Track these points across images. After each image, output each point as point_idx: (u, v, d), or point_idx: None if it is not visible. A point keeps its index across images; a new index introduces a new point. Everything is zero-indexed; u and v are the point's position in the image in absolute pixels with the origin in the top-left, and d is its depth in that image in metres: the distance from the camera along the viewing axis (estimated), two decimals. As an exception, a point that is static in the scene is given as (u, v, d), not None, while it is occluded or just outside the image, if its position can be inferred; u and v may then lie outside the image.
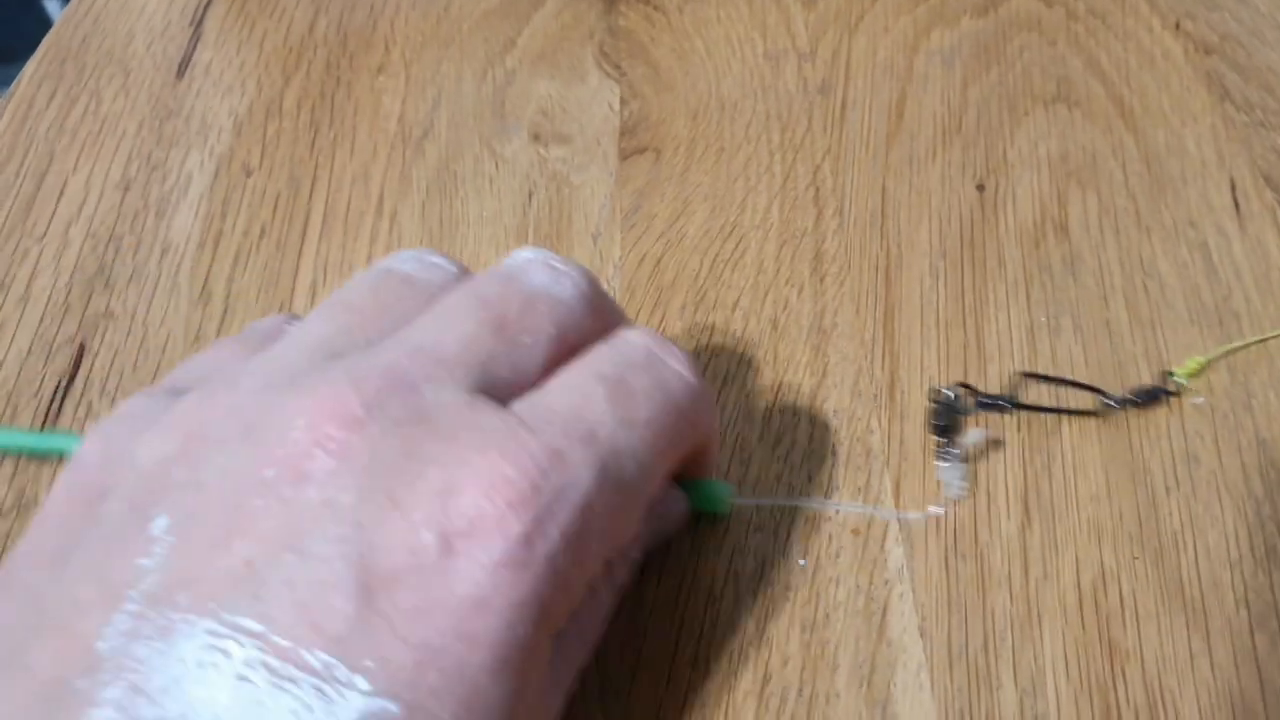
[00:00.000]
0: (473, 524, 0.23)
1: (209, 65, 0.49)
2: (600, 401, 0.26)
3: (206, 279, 0.41)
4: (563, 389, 0.26)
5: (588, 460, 0.24)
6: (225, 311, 0.40)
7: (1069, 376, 0.36)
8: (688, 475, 0.32)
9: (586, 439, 0.25)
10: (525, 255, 0.30)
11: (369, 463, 0.23)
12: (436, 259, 0.30)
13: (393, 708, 0.21)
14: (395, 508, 0.23)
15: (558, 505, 0.23)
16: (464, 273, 0.31)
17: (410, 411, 0.24)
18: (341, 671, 0.21)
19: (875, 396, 0.37)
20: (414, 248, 0.40)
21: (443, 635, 0.22)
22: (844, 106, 0.46)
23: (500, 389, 0.26)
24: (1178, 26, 0.48)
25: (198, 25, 0.51)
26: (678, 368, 0.28)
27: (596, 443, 0.25)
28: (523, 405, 0.26)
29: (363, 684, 0.21)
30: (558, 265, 0.29)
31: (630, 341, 0.28)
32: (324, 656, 0.21)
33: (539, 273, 0.29)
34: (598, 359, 0.28)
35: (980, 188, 0.42)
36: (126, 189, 0.44)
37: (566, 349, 0.28)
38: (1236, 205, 0.41)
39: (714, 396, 0.31)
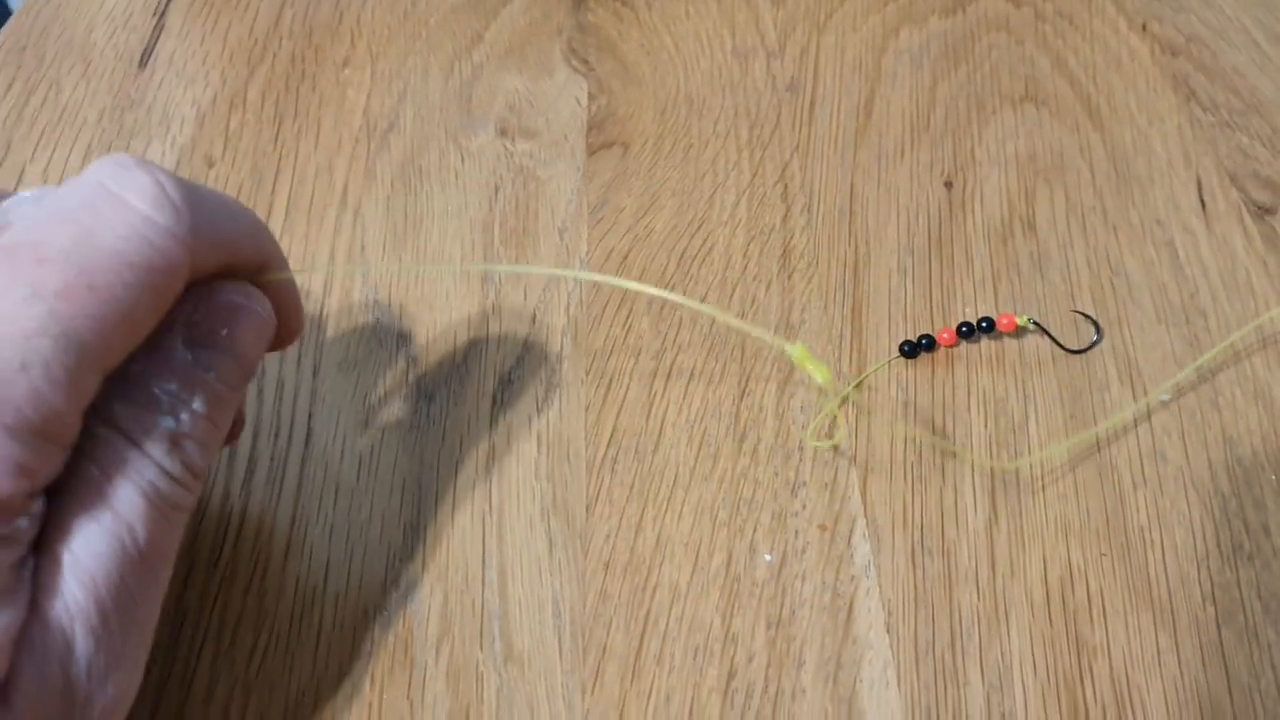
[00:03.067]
0: None
1: (172, 56, 0.48)
2: None
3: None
4: None
5: None
6: (185, 304, 0.39)
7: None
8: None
9: None
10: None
11: None
12: None
13: None
14: None
15: None
16: None
17: None
18: None
19: (842, 392, 0.36)
20: (377, 240, 0.40)
21: None
22: (812, 104, 0.46)
23: None
24: (1144, 28, 0.48)
25: (161, 16, 0.50)
26: (132, 201, 0.22)
27: None
28: None
29: None
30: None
31: (83, 175, 0.23)
32: None
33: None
34: (18, 221, 0.23)
35: (948, 185, 0.42)
36: (85, 180, 0.43)
37: None
38: (1203, 204, 0.41)
39: (227, 210, 0.25)
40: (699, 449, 0.35)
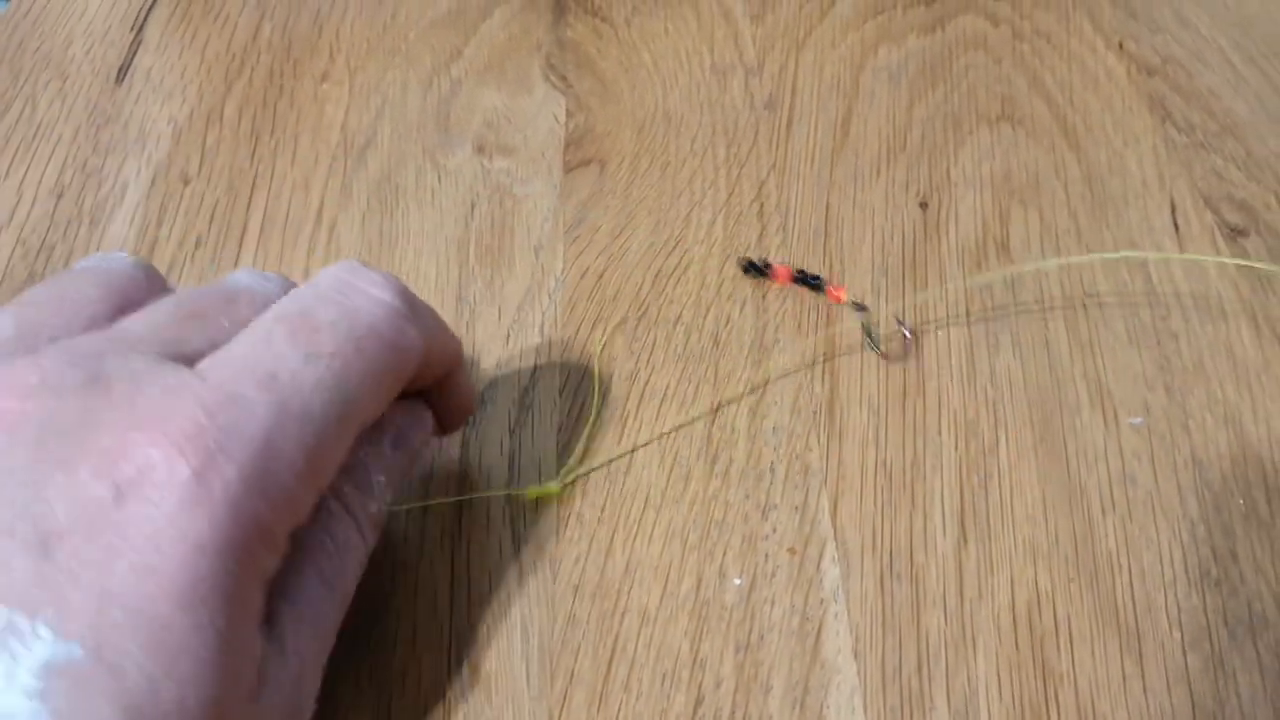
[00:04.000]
0: (141, 471, 0.23)
1: (149, 71, 0.48)
2: (280, 341, 0.26)
3: (140, 289, 0.40)
4: (245, 336, 0.26)
5: (263, 398, 0.24)
6: (158, 322, 0.39)
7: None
8: (441, 399, 0.32)
9: (264, 379, 0.25)
10: (236, 273, 0.30)
11: (42, 428, 0.23)
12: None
13: (77, 650, 0.21)
14: (67, 465, 0.23)
15: (231, 443, 0.23)
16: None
17: (88, 378, 0.24)
18: (22, 622, 0.21)
19: (815, 414, 0.36)
20: (352, 258, 0.40)
21: (122, 577, 0.22)
22: (790, 122, 0.46)
23: (193, 360, 0.26)
24: (1121, 47, 0.48)
25: (139, 30, 0.50)
26: (373, 291, 0.28)
27: (276, 381, 0.25)
28: (206, 361, 0.25)
29: (44, 631, 0.21)
30: (265, 273, 0.30)
31: (321, 275, 0.28)
32: (3, 611, 0.21)
33: (243, 276, 0.30)
34: (284, 301, 0.27)
35: (923, 205, 0.42)
36: (60, 196, 0.43)
37: None
38: (1176, 226, 0.41)
39: (433, 315, 0.30)
40: (670, 471, 0.35)
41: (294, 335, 0.26)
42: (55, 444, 0.23)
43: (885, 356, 0.38)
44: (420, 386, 0.31)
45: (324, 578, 0.27)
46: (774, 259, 0.40)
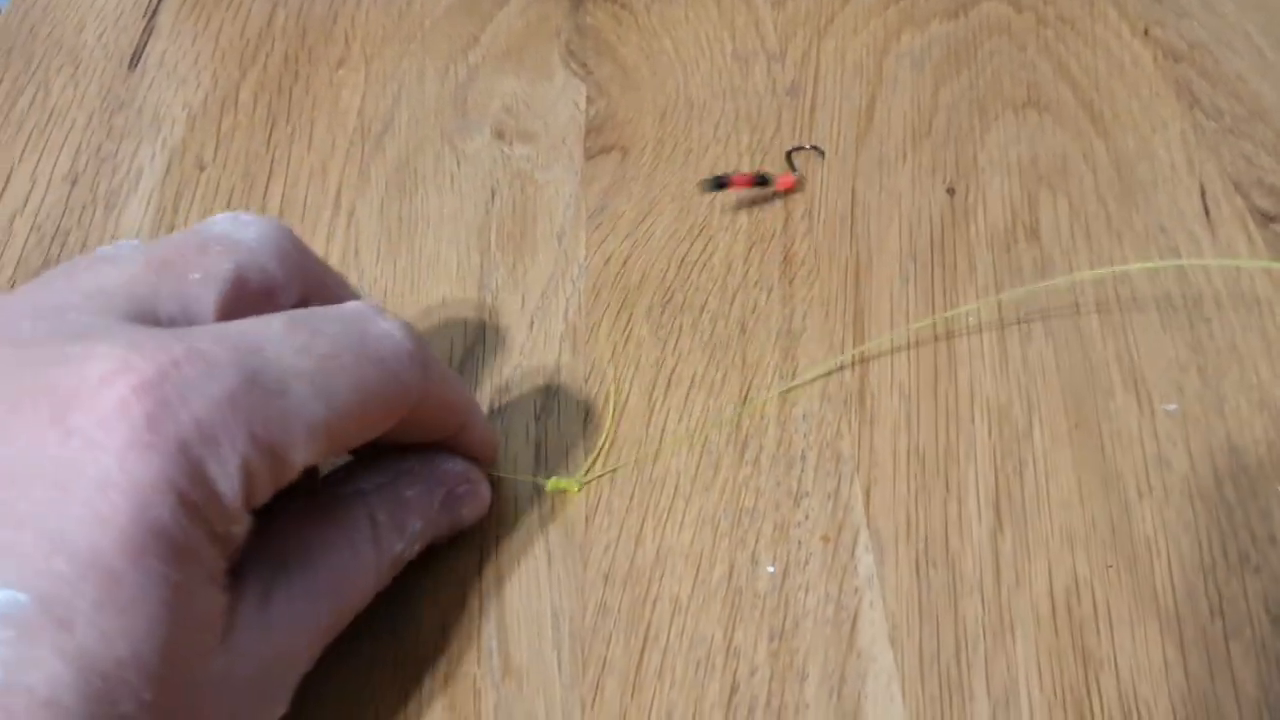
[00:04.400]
0: (94, 412, 0.22)
1: (163, 57, 0.48)
2: (277, 327, 0.25)
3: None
4: (240, 320, 0.26)
5: (235, 361, 0.23)
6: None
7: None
8: (460, 449, 0.32)
9: (246, 350, 0.24)
10: (215, 216, 0.29)
11: None
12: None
13: (21, 597, 0.20)
14: (18, 407, 0.22)
15: (192, 395, 0.22)
16: None
17: (51, 330, 0.24)
18: None
19: (845, 401, 0.36)
20: (371, 244, 0.39)
21: (70, 521, 0.21)
22: (813, 108, 0.45)
23: (164, 323, 0.25)
24: (1146, 33, 0.48)
25: (152, 16, 0.50)
26: (385, 325, 0.27)
27: (257, 355, 0.24)
28: (193, 328, 0.25)
29: None
30: (244, 216, 0.29)
31: (341, 303, 0.28)
32: None
33: (220, 222, 0.29)
34: (296, 309, 0.27)
35: (950, 191, 0.42)
36: (74, 182, 0.43)
37: (250, 293, 0.27)
38: (1206, 211, 0.41)
39: (444, 366, 0.30)
40: (699, 458, 0.35)
41: (293, 329, 0.25)
42: (9, 387, 0.23)
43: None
44: (437, 438, 0.31)
45: (331, 580, 0.27)
46: (736, 171, 0.42)
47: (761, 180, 0.41)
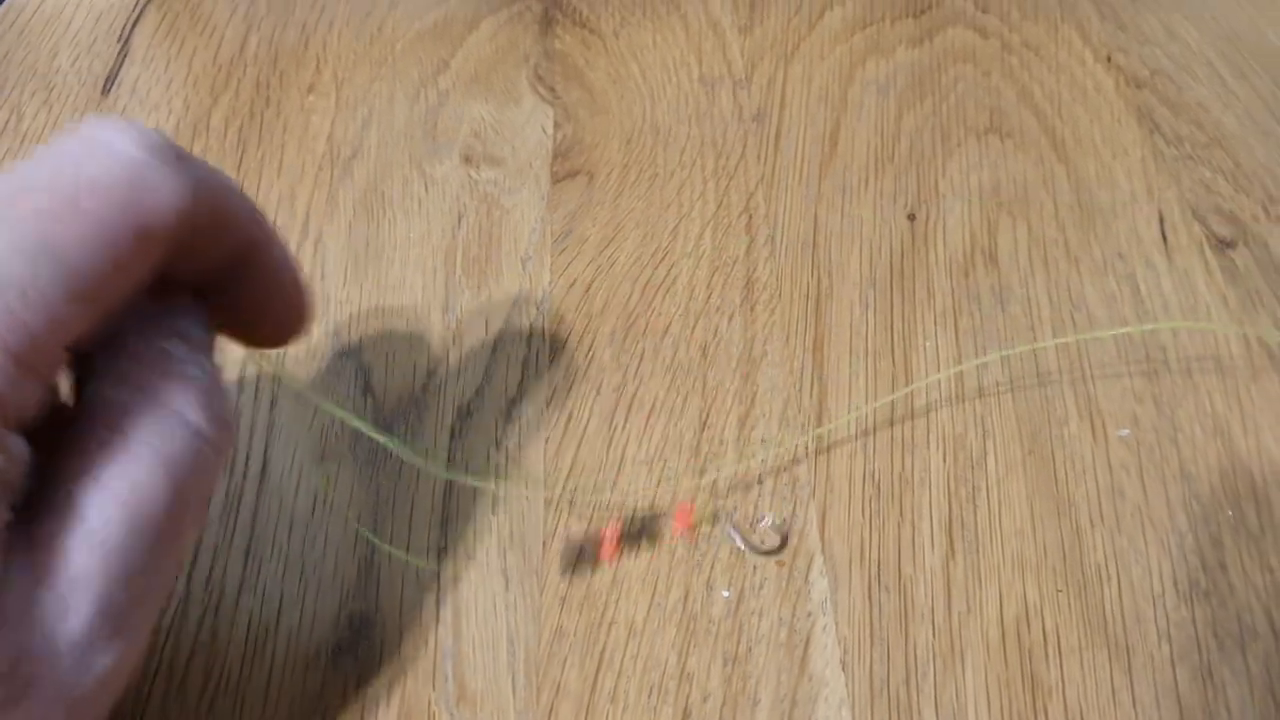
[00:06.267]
0: None
1: (136, 82, 0.48)
2: None
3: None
4: None
5: None
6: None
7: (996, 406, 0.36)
8: (253, 285, 0.26)
9: None
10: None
11: None
12: None
13: None
14: None
15: None
16: None
17: None
18: None
19: (803, 426, 0.36)
20: (338, 269, 0.40)
21: None
22: (778, 134, 0.46)
23: None
24: (1109, 60, 0.49)
25: (125, 41, 0.50)
26: (106, 142, 0.22)
27: None
28: None
29: None
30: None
31: (65, 132, 0.23)
32: None
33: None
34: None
35: (911, 217, 0.42)
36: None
37: None
38: (1164, 238, 0.41)
39: (212, 171, 0.24)
40: (658, 483, 0.35)
41: None
42: None
43: (767, 553, 0.34)
44: (214, 265, 0.25)
45: (112, 486, 0.22)
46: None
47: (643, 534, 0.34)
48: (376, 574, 0.33)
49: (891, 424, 0.36)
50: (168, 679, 0.31)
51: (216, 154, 0.45)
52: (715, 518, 0.34)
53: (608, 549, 0.33)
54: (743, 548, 0.33)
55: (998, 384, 0.37)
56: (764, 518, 0.34)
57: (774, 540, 0.34)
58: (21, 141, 0.45)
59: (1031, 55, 0.49)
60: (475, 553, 0.33)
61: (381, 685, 0.31)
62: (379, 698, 0.30)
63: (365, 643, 0.31)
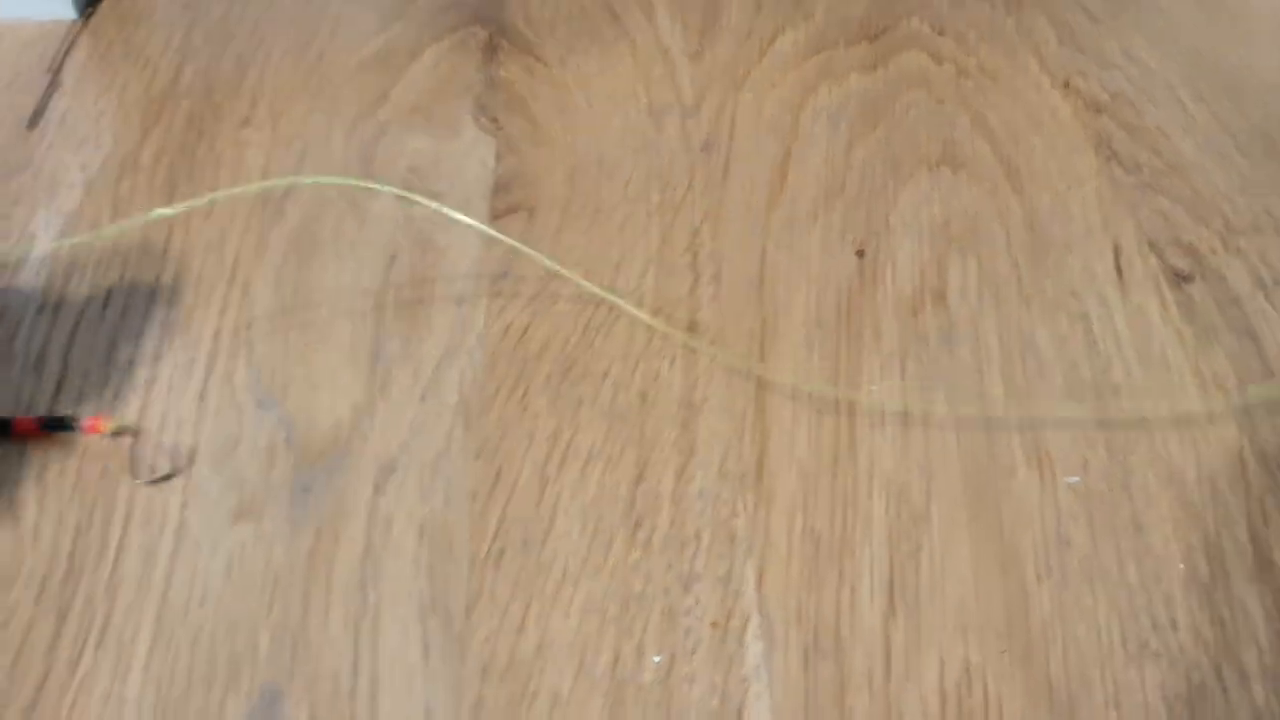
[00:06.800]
0: None
1: (64, 116, 0.47)
2: None
3: (44, 346, 0.38)
4: None
5: None
6: (60, 383, 0.37)
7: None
8: None
9: None
10: None
11: None
12: None
13: None
14: None
15: None
16: None
17: None
18: None
19: (743, 477, 0.35)
20: (265, 317, 0.38)
21: None
22: (727, 165, 0.44)
23: None
24: (1067, 84, 0.47)
25: (56, 72, 0.49)
26: None
27: None
28: None
29: None
30: None
31: None
32: None
33: None
34: None
35: (860, 254, 0.41)
36: (-35, 249, 0.42)
37: None
38: (1119, 272, 0.40)
39: None
40: (591, 539, 0.34)
41: None
42: None
43: (151, 482, 0.35)
44: None
45: None
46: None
47: (62, 425, 0.36)
48: (292, 644, 0.31)
49: (835, 474, 0.35)
50: (71, 757, 0.29)
51: (145, 193, 0.43)
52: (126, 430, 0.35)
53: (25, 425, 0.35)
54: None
55: (943, 431, 0.36)
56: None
57: (165, 467, 0.33)
58: (-59, 182, 0.44)
59: (987, 80, 0.48)
60: (394, 619, 0.32)
61: (293, 763, 0.29)
62: (290, 776, 0.29)
63: (278, 712, 0.30)
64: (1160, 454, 0.35)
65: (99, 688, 0.31)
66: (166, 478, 0.35)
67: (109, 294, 0.40)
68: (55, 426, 0.36)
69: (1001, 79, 0.48)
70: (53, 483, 0.35)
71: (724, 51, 0.49)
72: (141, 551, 0.33)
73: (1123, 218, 0.42)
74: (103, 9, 0.52)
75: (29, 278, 0.41)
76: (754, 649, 0.31)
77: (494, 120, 0.46)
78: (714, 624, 0.32)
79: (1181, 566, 0.33)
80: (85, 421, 0.35)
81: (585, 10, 0.51)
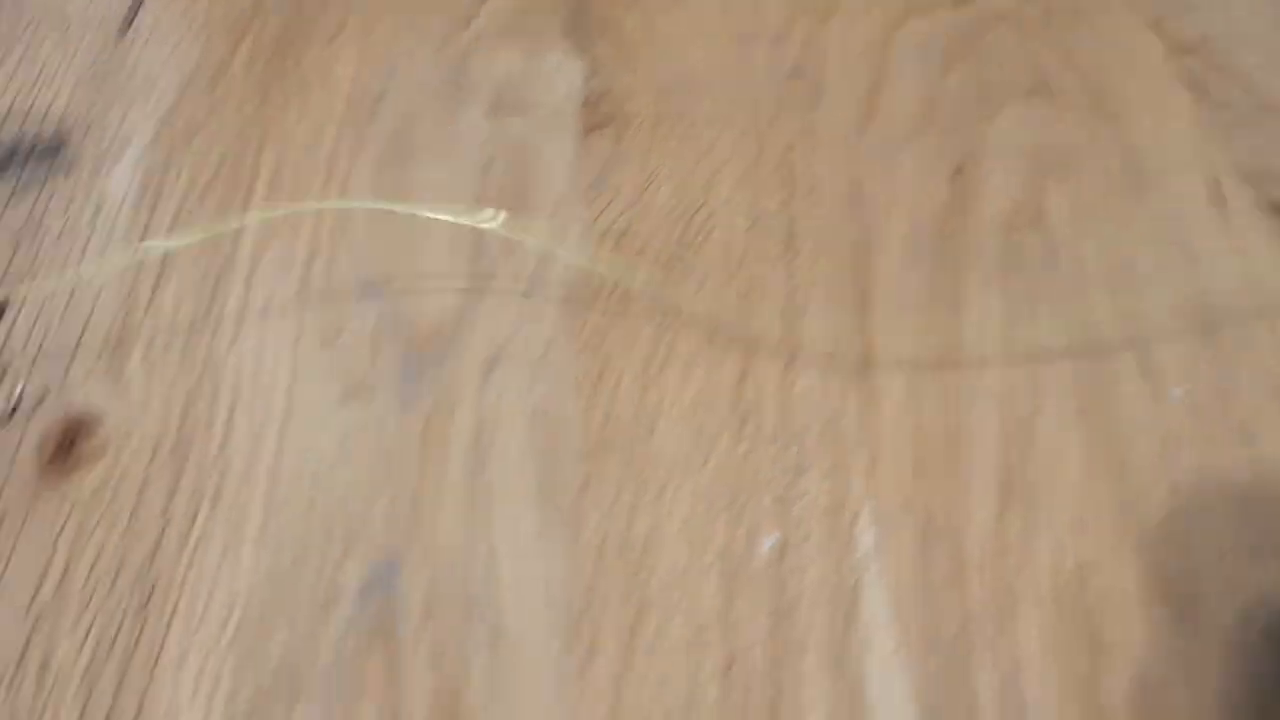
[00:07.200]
0: None
1: (154, 25, 0.47)
2: None
3: (143, 237, 0.38)
4: None
5: None
6: (160, 273, 0.37)
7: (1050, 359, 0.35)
8: None
9: None
10: None
11: None
12: None
13: None
14: None
15: None
16: None
17: None
18: None
19: (849, 376, 0.35)
20: (363, 213, 0.38)
21: None
22: (815, 91, 0.44)
23: None
24: (1157, 25, 0.47)
25: (144, -16, 0.49)
26: None
27: None
28: None
29: None
30: None
31: None
32: None
33: None
34: None
35: (955, 176, 0.41)
36: (61, 146, 0.42)
37: None
38: (1217, 201, 0.40)
39: None
40: (698, 433, 0.34)
41: None
42: None
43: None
44: None
45: None
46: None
47: None
48: (408, 515, 0.31)
49: (941, 376, 0.35)
50: (188, 613, 0.29)
51: (239, 97, 0.43)
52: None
53: None
54: None
55: (1050, 337, 0.36)
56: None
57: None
58: (37, 75, 0.44)
59: (1076, 19, 0.48)
60: (509, 498, 0.32)
61: (410, 629, 0.29)
62: (408, 644, 0.29)
63: (398, 582, 0.30)
64: (1268, 368, 0.35)
65: (213, 550, 0.31)
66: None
67: (205, 187, 0.40)
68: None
69: (1091, 18, 0.48)
70: (158, 358, 0.35)
71: (809, -14, 0.49)
72: (251, 425, 0.33)
73: (1216, 152, 0.42)
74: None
75: (122, 177, 0.41)
76: (866, 536, 0.31)
77: (582, 41, 0.46)
78: (826, 511, 0.32)
79: (1292, 474, 0.33)
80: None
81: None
